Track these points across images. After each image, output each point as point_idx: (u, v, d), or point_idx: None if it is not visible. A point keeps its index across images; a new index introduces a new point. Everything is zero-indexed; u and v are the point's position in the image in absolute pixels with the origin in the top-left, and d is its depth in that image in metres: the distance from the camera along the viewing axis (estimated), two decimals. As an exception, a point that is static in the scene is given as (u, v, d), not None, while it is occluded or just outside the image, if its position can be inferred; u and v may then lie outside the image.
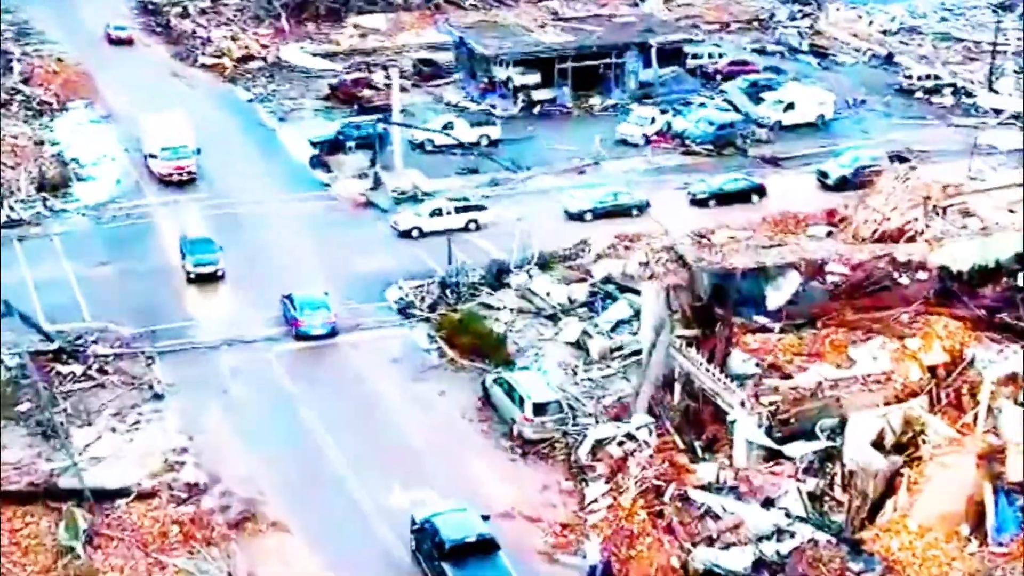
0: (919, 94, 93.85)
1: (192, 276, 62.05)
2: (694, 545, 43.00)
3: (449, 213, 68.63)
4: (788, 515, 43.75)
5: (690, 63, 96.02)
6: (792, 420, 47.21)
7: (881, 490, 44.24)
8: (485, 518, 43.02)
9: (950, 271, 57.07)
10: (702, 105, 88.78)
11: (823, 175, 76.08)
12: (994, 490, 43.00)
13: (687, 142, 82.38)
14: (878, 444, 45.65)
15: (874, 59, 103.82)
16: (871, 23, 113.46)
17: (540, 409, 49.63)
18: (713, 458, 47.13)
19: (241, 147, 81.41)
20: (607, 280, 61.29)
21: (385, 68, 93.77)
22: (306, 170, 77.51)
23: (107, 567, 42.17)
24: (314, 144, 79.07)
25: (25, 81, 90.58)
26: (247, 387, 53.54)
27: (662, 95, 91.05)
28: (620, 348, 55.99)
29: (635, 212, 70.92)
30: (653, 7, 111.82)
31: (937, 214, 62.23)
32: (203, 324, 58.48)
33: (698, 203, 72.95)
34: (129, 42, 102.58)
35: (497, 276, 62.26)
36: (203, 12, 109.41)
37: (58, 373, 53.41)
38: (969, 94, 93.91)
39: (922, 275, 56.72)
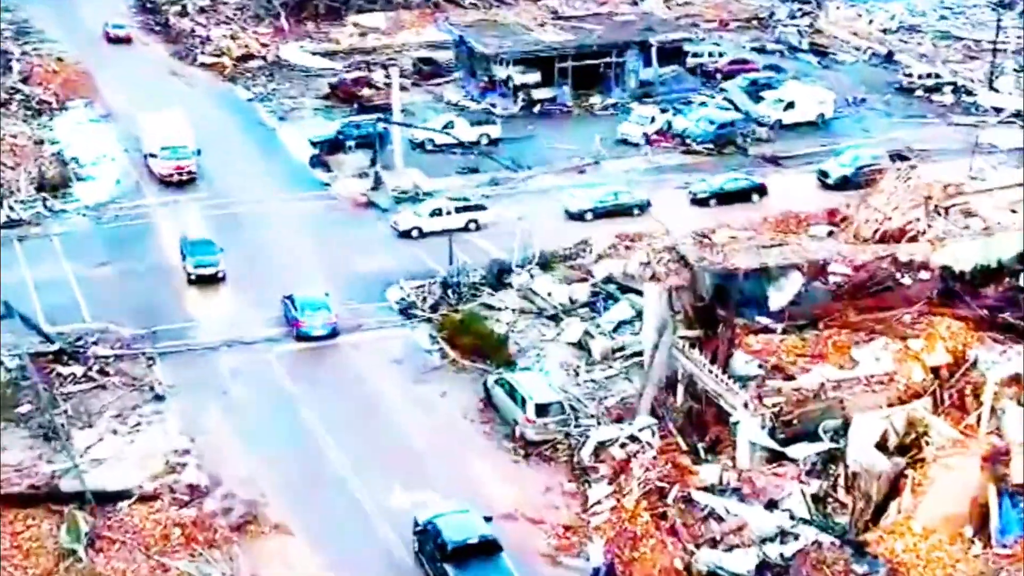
0: (919, 93, 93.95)
1: (192, 278, 61.90)
2: (697, 547, 42.90)
3: (449, 213, 68.50)
4: (792, 517, 43.62)
5: (690, 62, 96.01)
6: (795, 421, 47.07)
7: (885, 492, 44.17)
8: (488, 519, 42.96)
9: (952, 271, 56.92)
10: (702, 104, 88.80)
11: (823, 174, 76.05)
12: (998, 492, 42.91)
13: (687, 141, 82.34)
14: (881, 446, 45.54)
15: (874, 57, 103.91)
16: (871, 21, 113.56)
17: (542, 410, 49.51)
18: (716, 460, 47.02)
19: (241, 146, 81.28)
20: (608, 280, 61.22)
21: (385, 67, 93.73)
22: (306, 170, 77.42)
23: (109, 570, 42.04)
24: (314, 143, 79.00)
25: (24, 80, 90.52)
26: (248, 388, 53.42)
27: (662, 94, 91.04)
28: (622, 349, 55.92)
29: (636, 211, 70.85)
30: (653, 6, 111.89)
31: (939, 214, 62.10)
32: (204, 325, 58.35)
33: (699, 202, 72.90)
34: (128, 40, 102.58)
35: (498, 276, 62.16)
36: (202, 11, 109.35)
37: (58, 374, 53.27)
38: (969, 92, 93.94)
39: (924, 275, 56.59)
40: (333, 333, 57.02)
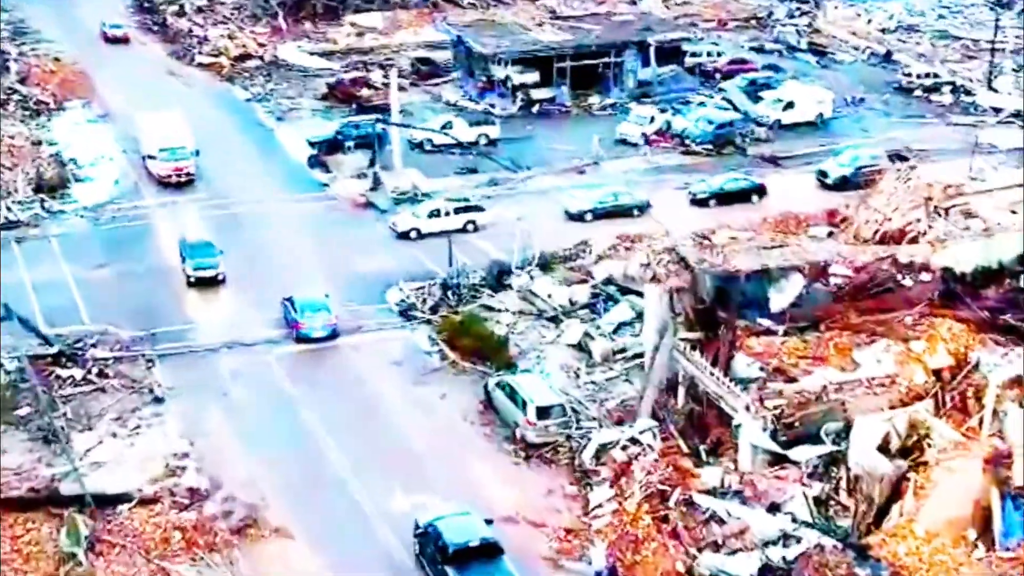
0: (918, 92, 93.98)
1: (192, 280, 61.72)
2: (699, 550, 42.82)
3: (447, 214, 68.36)
4: (794, 520, 43.58)
5: (689, 62, 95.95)
6: (797, 424, 46.95)
7: (887, 495, 44.12)
8: (489, 522, 42.85)
9: (953, 273, 56.84)
10: (701, 104, 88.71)
11: (823, 174, 75.98)
12: (1001, 495, 42.93)
13: (686, 141, 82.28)
14: (883, 448, 45.44)
15: (873, 57, 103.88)
16: (869, 21, 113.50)
17: (543, 413, 49.36)
18: (718, 462, 46.94)
19: (239, 147, 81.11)
20: (608, 281, 61.09)
21: (383, 67, 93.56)
22: (305, 170, 77.29)
23: (109, 574, 41.92)
24: (312, 144, 78.89)
25: (22, 80, 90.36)
26: (248, 390, 53.27)
27: (661, 94, 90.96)
28: (623, 350, 55.82)
29: (636, 212, 70.75)
30: (651, 5, 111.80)
31: (939, 215, 62.03)
32: (203, 326, 58.20)
33: (698, 203, 72.82)
34: (125, 40, 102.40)
35: (498, 278, 62.04)
36: (199, 10, 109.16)
37: (58, 377, 53.11)
38: (968, 92, 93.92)
39: (925, 277, 56.51)
40: (333, 335, 56.90)
